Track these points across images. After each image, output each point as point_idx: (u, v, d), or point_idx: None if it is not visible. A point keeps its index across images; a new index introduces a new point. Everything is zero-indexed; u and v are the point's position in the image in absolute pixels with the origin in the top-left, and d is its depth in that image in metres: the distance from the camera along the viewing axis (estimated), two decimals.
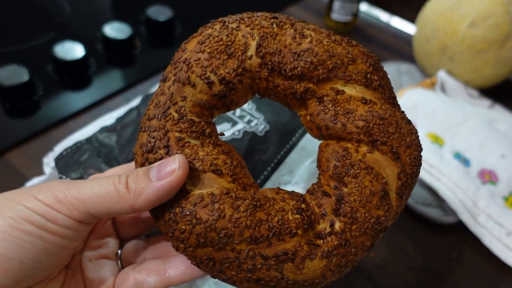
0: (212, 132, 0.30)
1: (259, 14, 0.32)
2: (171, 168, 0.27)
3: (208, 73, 0.29)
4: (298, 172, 0.45)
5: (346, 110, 0.30)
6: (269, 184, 0.44)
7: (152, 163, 0.29)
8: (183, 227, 0.27)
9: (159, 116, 0.29)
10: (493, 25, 0.65)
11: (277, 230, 0.28)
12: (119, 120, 0.47)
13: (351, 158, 0.30)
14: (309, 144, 0.47)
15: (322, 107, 0.31)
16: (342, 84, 0.31)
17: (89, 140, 0.44)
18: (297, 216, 0.28)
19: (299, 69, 0.30)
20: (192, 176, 0.28)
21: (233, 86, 0.30)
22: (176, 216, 0.28)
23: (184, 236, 0.28)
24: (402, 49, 0.85)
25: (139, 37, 0.77)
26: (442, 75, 0.71)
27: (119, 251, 0.33)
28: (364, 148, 0.30)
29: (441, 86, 0.71)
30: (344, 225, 0.28)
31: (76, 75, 0.67)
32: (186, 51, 0.30)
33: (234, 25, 0.31)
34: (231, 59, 0.30)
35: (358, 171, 0.29)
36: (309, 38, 0.31)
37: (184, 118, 0.29)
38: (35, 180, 0.44)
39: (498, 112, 0.70)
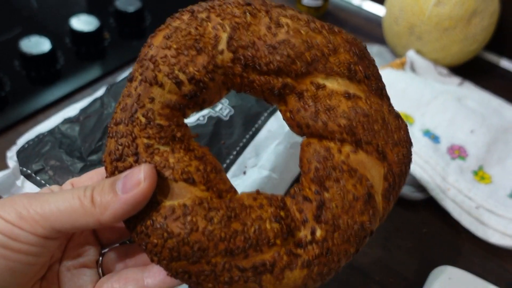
0: (184, 135, 0.28)
1: (230, 0, 0.29)
2: (137, 180, 0.26)
3: (176, 72, 0.27)
4: (265, 154, 0.45)
5: (327, 106, 0.28)
6: (235, 168, 0.44)
7: (122, 171, 0.27)
8: (155, 240, 0.26)
9: (126, 121, 0.27)
10: (459, 2, 0.66)
11: (254, 241, 0.26)
12: (83, 110, 0.47)
13: (333, 159, 0.28)
14: (275, 126, 0.48)
15: (302, 104, 0.29)
16: (323, 77, 0.28)
17: (51, 131, 0.44)
18: (275, 225, 0.27)
19: (275, 63, 0.28)
20: (163, 186, 0.27)
21: (204, 85, 0.28)
22: (148, 229, 0.26)
23: (156, 249, 0.27)
24: (374, 32, 0.85)
25: (108, 29, 0.76)
26: (411, 54, 0.71)
27: (100, 259, 0.32)
28: (347, 148, 0.28)
29: (411, 66, 0.71)
30: (326, 233, 0.27)
31: (44, 70, 0.67)
32: (152, 47, 0.28)
33: (204, 15, 0.28)
34: (200, 55, 0.28)
35: (340, 174, 0.27)
36: (285, 28, 0.28)
37: (152, 123, 0.27)
38: None
39: (467, 89, 0.71)
